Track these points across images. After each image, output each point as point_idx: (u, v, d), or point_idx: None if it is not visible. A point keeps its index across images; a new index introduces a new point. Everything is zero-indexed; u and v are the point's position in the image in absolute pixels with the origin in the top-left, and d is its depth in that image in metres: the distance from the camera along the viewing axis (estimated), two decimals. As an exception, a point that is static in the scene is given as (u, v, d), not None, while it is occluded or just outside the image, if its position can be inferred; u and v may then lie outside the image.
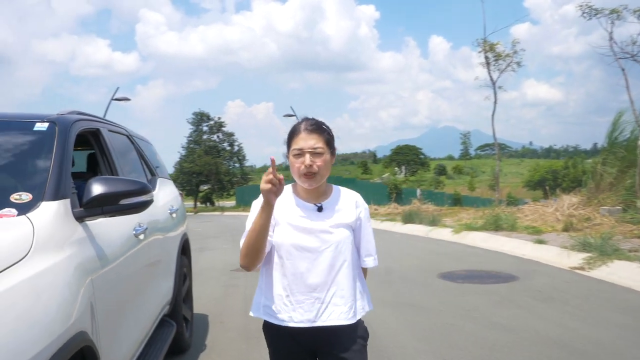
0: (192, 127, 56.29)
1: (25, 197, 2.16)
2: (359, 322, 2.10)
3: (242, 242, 1.98)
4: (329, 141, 2.01)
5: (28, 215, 2.03)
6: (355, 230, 2.11)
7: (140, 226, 3.14)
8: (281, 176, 1.84)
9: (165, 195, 4.34)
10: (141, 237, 3.10)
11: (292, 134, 2.02)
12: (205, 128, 56.73)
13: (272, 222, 1.96)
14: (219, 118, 56.67)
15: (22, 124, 2.64)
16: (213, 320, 5.42)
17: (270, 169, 1.82)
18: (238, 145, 55.80)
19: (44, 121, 2.65)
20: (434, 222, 14.08)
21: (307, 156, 1.95)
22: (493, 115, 21.63)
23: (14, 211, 2.08)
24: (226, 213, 39.94)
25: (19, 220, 1.98)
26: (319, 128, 1.99)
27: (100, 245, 2.40)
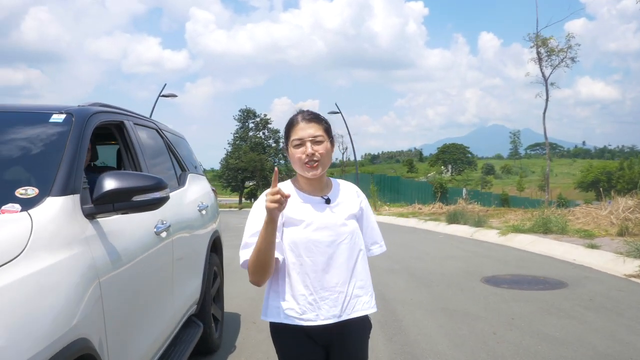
0: (238, 123, 56.95)
1: (32, 191, 2.05)
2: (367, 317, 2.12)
3: (241, 253, 1.96)
4: (328, 130, 2.01)
5: (30, 211, 1.91)
6: (358, 219, 2.09)
7: (162, 223, 3.01)
8: (288, 194, 1.80)
9: (196, 191, 4.22)
10: (163, 235, 2.97)
11: (290, 126, 2.01)
12: (251, 125, 57.33)
13: (280, 223, 1.92)
14: (265, 115, 57.18)
15: (38, 116, 2.54)
16: (245, 320, 5.30)
17: (273, 186, 1.78)
18: (283, 143, 56.01)
19: (61, 112, 2.55)
20: (479, 222, 13.62)
21: (309, 144, 1.93)
22: (544, 113, 20.86)
23: (17, 206, 1.97)
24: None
25: (18, 216, 1.86)
26: (316, 117, 2.00)
27: (113, 244, 2.27)
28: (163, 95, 25.60)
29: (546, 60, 20.62)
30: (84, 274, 1.94)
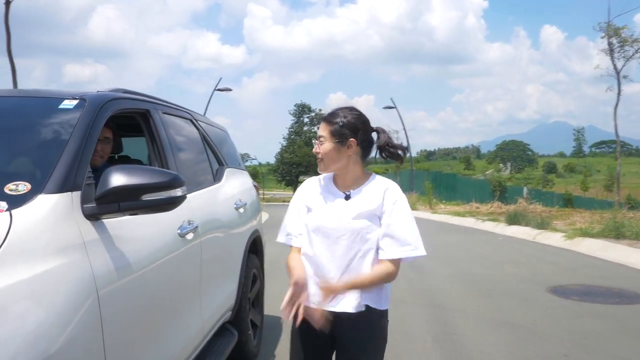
0: (293, 118, 57.30)
1: (23, 187, 1.74)
2: (377, 320, 2.08)
3: (279, 236, 2.21)
4: (335, 131, 2.04)
5: (14, 210, 1.60)
6: (380, 218, 2.05)
7: (189, 223, 2.68)
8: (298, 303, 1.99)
9: (234, 187, 3.89)
10: (189, 236, 2.64)
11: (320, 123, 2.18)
12: (306, 119, 57.54)
13: (305, 207, 2.15)
14: (320, 110, 57.17)
15: (48, 102, 2.26)
16: (288, 325, 4.94)
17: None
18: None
19: (73, 98, 2.25)
20: (542, 224, 12.77)
21: (316, 144, 2.09)
22: (616, 107, 19.51)
23: (3, 205, 1.66)
24: (323, 205, 39.96)
25: (-4, 218, 1.55)
26: (326, 118, 2.09)
27: (121, 250, 1.95)
28: (218, 89, 25.76)
29: (618, 52, 19.26)
30: (76, 286, 1.62)
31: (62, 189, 1.77)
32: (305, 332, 2.09)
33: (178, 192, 1.98)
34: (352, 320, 2.02)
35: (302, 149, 51.16)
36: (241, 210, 3.82)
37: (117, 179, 1.85)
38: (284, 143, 56.80)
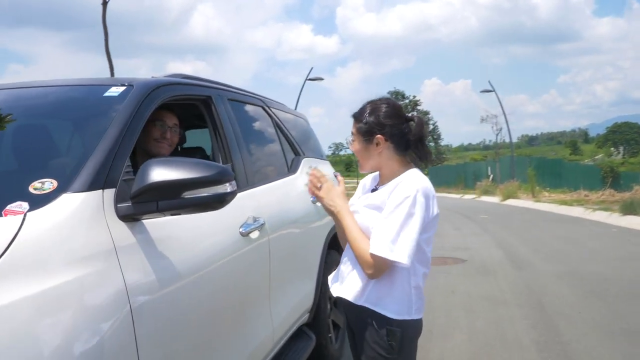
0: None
1: (49, 185, 1.54)
2: (376, 327, 1.89)
3: None
4: (361, 130, 1.97)
5: (31, 213, 1.39)
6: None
7: (254, 221, 2.42)
8: (318, 177, 2.04)
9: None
10: (253, 235, 2.38)
11: None
12: (400, 107, 56.61)
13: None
14: (414, 97, 56.17)
15: (94, 90, 2.07)
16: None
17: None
18: (433, 124, 54.90)
19: (121, 85, 2.05)
20: (664, 215, 11.43)
21: (347, 142, 2.07)
22: None
23: (25, 206, 1.46)
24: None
25: (3, 222, 1.35)
26: (355, 115, 2.02)
27: (165, 255, 1.71)
28: (310, 79, 25.75)
29: None
30: (101, 300, 1.39)
31: (91, 186, 1.54)
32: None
33: (227, 187, 1.70)
34: (353, 311, 1.97)
35: (396, 136, 50.47)
36: (319, 202, 3.51)
37: (154, 173, 1.60)
38: (378, 131, 56.32)
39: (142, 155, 2.56)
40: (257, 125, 3.18)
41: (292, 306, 2.89)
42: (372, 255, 1.80)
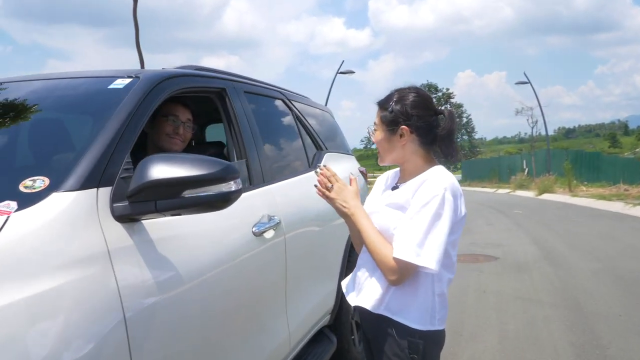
0: (419, 99, 55.98)
1: (40, 183, 1.44)
2: (397, 337, 1.74)
3: None
4: (385, 118, 1.82)
5: (16, 213, 1.30)
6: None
7: (269, 219, 2.30)
8: (328, 175, 1.88)
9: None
10: (268, 234, 2.26)
11: None
12: (433, 100, 56.00)
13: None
14: (447, 89, 55.43)
15: (99, 82, 1.98)
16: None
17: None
18: (467, 117, 54.14)
19: (128, 77, 1.95)
20: None
21: (369, 131, 1.93)
22: None
23: (12, 205, 1.36)
24: (465, 187, 38.48)
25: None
26: (380, 102, 1.87)
27: (167, 258, 1.61)
28: (341, 72, 25.54)
29: None
30: (90, 306, 1.29)
31: (84, 185, 1.44)
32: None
33: (232, 186, 1.58)
34: (371, 319, 1.81)
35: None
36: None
37: (153, 171, 1.49)
38: (410, 124, 55.84)
39: (153, 151, 2.47)
40: (276, 118, 3.05)
41: (310, 308, 2.76)
42: (396, 259, 1.65)
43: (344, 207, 1.83)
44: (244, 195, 2.27)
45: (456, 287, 5.56)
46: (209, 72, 2.48)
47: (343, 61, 25.23)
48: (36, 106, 1.87)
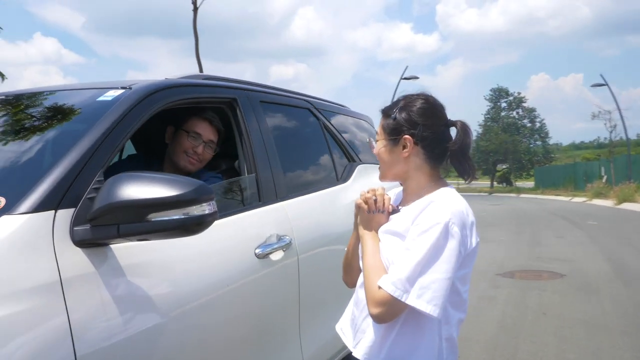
0: (489, 104, 54.51)
1: (-5, 205, 1.33)
2: None
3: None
4: (387, 127, 1.60)
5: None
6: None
7: (279, 239, 2.12)
8: (389, 205, 1.60)
9: (365, 187, 3.24)
10: (275, 256, 2.08)
11: None
12: (503, 104, 54.49)
13: None
14: (519, 93, 53.76)
15: (92, 94, 1.87)
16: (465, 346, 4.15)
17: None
18: (540, 122, 52.04)
19: (121, 88, 1.84)
20: None
21: (370, 142, 1.74)
22: None
23: (-39, 231, 1.27)
24: (522, 195, 37.01)
25: None
26: (384, 110, 1.65)
27: (140, 287, 1.47)
28: (405, 78, 25.19)
29: None
30: (30, 349, 1.15)
31: (40, 207, 1.32)
32: None
33: (205, 209, 1.41)
34: None
35: (499, 135, 48.24)
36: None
37: (115, 191, 1.35)
38: (479, 130, 54.37)
39: (169, 165, 2.35)
40: (299, 129, 2.88)
41: (328, 338, 2.54)
42: (381, 290, 1.39)
43: (368, 225, 1.60)
44: (249, 213, 2.13)
45: (513, 307, 5.17)
46: (218, 81, 2.34)
47: (407, 67, 24.96)
48: (18, 120, 1.80)
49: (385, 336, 1.49)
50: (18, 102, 1.95)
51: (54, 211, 1.34)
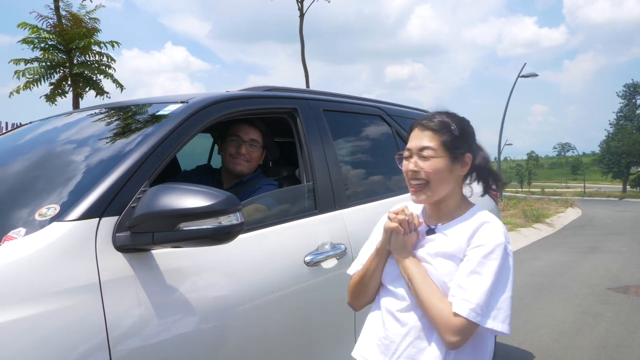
0: (622, 101, 50.26)
1: (52, 211, 1.49)
2: None
3: (350, 268, 1.76)
4: (450, 143, 1.54)
5: (10, 241, 1.37)
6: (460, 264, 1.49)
7: (333, 247, 2.16)
8: (419, 221, 1.55)
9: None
10: (328, 264, 2.11)
11: (409, 132, 1.64)
12: (639, 102, 49.75)
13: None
14: (657, 87, 48.75)
15: (155, 108, 2.03)
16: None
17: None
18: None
19: (181, 102, 1.98)
20: None
21: (413, 158, 1.55)
22: None
23: (22, 232, 1.45)
24: (659, 201, 33.62)
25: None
26: (436, 125, 1.55)
27: (180, 291, 1.57)
28: (523, 76, 23.89)
29: None
30: (67, 343, 1.29)
31: (86, 214, 1.46)
32: None
33: (232, 219, 1.48)
34: None
35: (633, 135, 44.23)
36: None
37: (150, 201, 1.47)
38: (611, 130, 50.33)
39: (224, 172, 2.49)
40: (367, 136, 2.88)
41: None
42: (458, 317, 1.39)
43: (405, 249, 1.55)
44: (303, 221, 2.18)
45: (620, 326, 4.74)
46: (280, 92, 2.42)
47: (525, 64, 23.57)
48: (82, 132, 1.99)
49: (441, 351, 1.46)
50: (89, 117, 2.16)
51: (98, 219, 1.47)
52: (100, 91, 13.44)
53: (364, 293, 1.66)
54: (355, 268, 1.72)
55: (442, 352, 1.45)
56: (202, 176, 2.54)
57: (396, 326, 1.54)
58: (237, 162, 2.39)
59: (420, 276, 1.49)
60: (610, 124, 51.00)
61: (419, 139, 1.55)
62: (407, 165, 1.56)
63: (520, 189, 70.74)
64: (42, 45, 12.55)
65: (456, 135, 1.54)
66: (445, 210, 1.59)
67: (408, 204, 1.63)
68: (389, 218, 1.55)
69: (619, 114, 51.84)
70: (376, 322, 1.62)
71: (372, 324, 1.63)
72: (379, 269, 1.62)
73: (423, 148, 1.54)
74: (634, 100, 51.38)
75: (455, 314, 1.39)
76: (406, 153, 1.58)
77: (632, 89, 50.84)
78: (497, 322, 1.39)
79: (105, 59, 13.32)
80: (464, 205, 1.60)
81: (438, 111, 1.62)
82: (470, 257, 1.45)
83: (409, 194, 1.67)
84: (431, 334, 1.48)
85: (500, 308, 1.40)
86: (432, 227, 1.59)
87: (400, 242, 1.53)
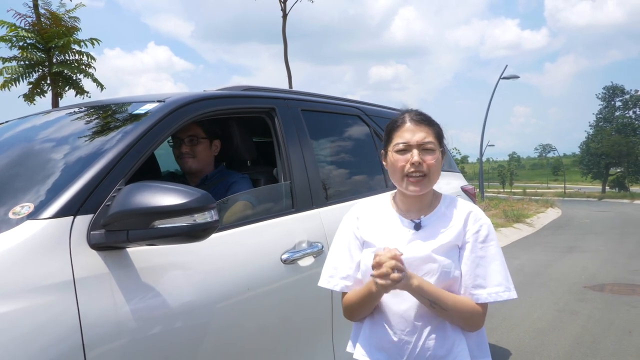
0: (602, 103, 51.06)
1: (25, 210, 1.49)
2: None
3: (321, 279, 1.72)
4: (440, 137, 1.63)
5: (-20, 242, 1.36)
6: (462, 249, 1.58)
7: (310, 245, 2.18)
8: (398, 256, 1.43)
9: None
10: (304, 262, 2.13)
11: (394, 127, 1.64)
12: (618, 103, 50.67)
13: (358, 241, 1.68)
14: (636, 91, 49.67)
15: (131, 107, 2.03)
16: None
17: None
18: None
19: (158, 101, 1.99)
20: None
21: (415, 152, 1.57)
22: None
23: (-5, 232, 1.45)
24: (636, 201, 34.26)
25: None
26: (427, 119, 1.63)
27: (155, 289, 1.58)
28: (504, 78, 24.18)
29: None
30: (40, 342, 1.29)
31: (60, 212, 1.46)
32: None
33: (207, 217, 1.50)
34: None
35: (612, 137, 44.95)
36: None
37: (124, 199, 1.48)
38: (591, 131, 51.04)
39: (187, 176, 2.54)
40: (346, 136, 2.91)
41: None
42: (483, 305, 1.55)
43: (410, 284, 1.46)
44: (280, 219, 2.20)
45: (595, 323, 4.83)
46: (257, 91, 2.43)
47: (506, 66, 23.86)
48: (59, 131, 1.99)
49: (456, 345, 1.55)
50: (65, 115, 2.16)
51: (72, 217, 1.48)
52: (80, 91, 13.33)
53: (366, 311, 1.62)
54: (327, 275, 1.69)
55: (460, 338, 1.55)
56: (170, 180, 2.56)
57: (407, 326, 1.55)
58: (183, 161, 2.43)
59: (441, 294, 1.49)
60: (590, 125, 51.81)
61: (417, 132, 1.56)
62: (411, 158, 1.54)
63: (502, 190, 71.40)
64: (21, 43, 12.40)
65: (441, 130, 1.65)
66: (426, 201, 1.64)
67: (375, 199, 1.75)
68: (377, 281, 1.42)
69: (598, 116, 52.68)
70: (379, 325, 1.60)
71: (375, 328, 1.61)
72: (379, 298, 1.56)
73: (425, 141, 1.56)
74: (613, 103, 52.24)
75: (484, 304, 1.54)
76: (401, 146, 1.56)
77: (611, 92, 51.64)
78: (510, 292, 1.56)
79: (85, 58, 13.21)
80: (435, 194, 1.68)
81: (409, 109, 1.66)
82: (475, 243, 1.57)
83: (387, 193, 1.73)
84: (444, 325, 1.55)
85: (508, 278, 1.57)
86: (417, 220, 1.61)
87: (401, 284, 1.43)
